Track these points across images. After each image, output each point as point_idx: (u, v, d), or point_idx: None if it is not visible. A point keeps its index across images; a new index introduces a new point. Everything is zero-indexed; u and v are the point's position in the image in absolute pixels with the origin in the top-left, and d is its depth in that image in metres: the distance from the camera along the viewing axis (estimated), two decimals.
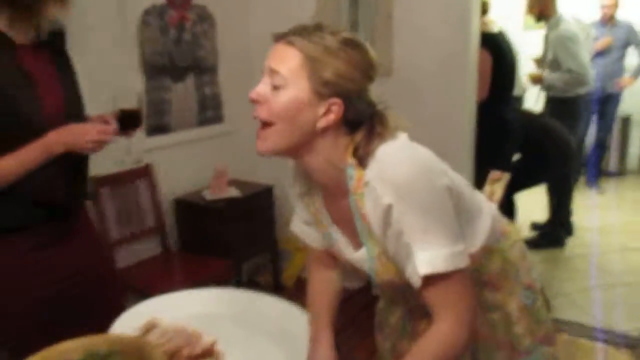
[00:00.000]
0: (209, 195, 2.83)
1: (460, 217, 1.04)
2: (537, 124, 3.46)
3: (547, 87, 3.84)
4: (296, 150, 1.02)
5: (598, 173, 4.93)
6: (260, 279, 3.39)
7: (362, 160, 1.00)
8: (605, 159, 5.24)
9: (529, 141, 3.29)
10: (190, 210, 2.84)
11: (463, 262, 0.98)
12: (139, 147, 2.66)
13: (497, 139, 2.99)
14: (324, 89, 0.97)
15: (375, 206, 0.99)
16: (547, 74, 3.75)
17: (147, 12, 2.65)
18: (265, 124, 1.00)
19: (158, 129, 2.76)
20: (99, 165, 2.49)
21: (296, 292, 3.37)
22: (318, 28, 1.00)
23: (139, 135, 2.65)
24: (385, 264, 1.07)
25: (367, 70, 1.01)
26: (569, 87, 3.68)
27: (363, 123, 1.02)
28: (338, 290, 1.32)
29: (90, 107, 1.61)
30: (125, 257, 2.62)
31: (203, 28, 2.98)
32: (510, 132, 3.13)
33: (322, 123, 0.98)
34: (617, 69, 4.70)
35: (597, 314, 2.87)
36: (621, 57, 4.72)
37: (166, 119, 2.80)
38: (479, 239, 1.15)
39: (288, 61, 0.98)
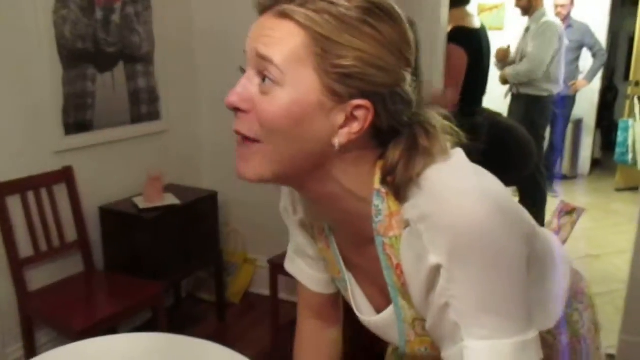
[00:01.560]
0: (141, 203, 2.44)
1: (534, 275, 0.69)
2: (499, 124, 3.30)
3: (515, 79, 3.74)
4: (298, 176, 0.69)
5: (552, 176, 4.85)
6: (203, 295, 3.03)
7: (398, 190, 0.66)
8: (558, 162, 5.19)
9: (492, 143, 3.11)
10: (119, 221, 2.43)
11: (535, 356, 0.65)
12: (55, 146, 2.25)
13: (466, 147, 2.76)
14: (342, 86, 0.63)
15: (416, 259, 0.66)
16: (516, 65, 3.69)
17: None
18: (249, 139, 0.66)
19: (79, 126, 2.35)
20: (4, 169, 2.07)
21: (243, 310, 3.04)
22: None
23: (56, 132, 2.25)
24: (421, 334, 0.76)
25: (404, 51, 0.66)
26: (527, 79, 3.61)
27: (400, 133, 0.68)
28: (337, 356, 1.01)
29: None
30: (38, 279, 2.19)
31: (136, 10, 2.58)
32: (479, 138, 2.91)
33: (342, 138, 0.65)
34: (572, 71, 4.62)
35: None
36: (576, 58, 4.65)
37: (89, 115, 2.38)
38: (557, 308, 0.81)
39: (284, 42, 0.63)
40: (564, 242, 1.01)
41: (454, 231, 0.61)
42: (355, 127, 0.65)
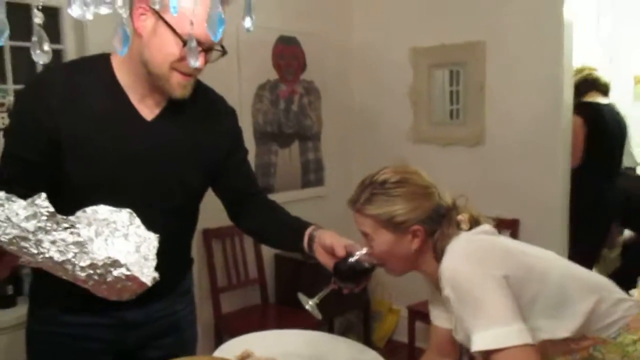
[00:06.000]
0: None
1: (539, 302, 1.13)
2: (635, 200, 3.32)
3: None
4: (414, 267, 1.27)
5: None
6: (352, 337, 3.47)
7: (439, 257, 1.19)
8: None
9: (625, 216, 3.20)
10: (289, 265, 3.06)
11: (519, 339, 1.03)
12: None
13: (588, 212, 2.94)
14: (402, 227, 1.20)
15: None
16: None
17: (261, 87, 3.02)
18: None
19: (264, 189, 3.05)
20: (211, 219, 2.81)
21: (385, 354, 3.37)
22: (372, 184, 1.23)
23: None
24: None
25: (426, 192, 1.22)
26: None
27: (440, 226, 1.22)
28: None
29: None
30: (229, 304, 2.88)
31: (309, 100, 3.31)
32: (603, 207, 3.06)
33: (415, 245, 1.22)
34: None
35: None
36: None
37: (272, 180, 3.10)
38: (568, 324, 1.14)
39: (366, 225, 1.24)
40: None
41: (447, 276, 1.12)
42: (418, 240, 1.21)
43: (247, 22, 0.73)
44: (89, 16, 0.67)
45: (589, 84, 3.10)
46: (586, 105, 3.01)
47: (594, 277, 1.25)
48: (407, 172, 1.24)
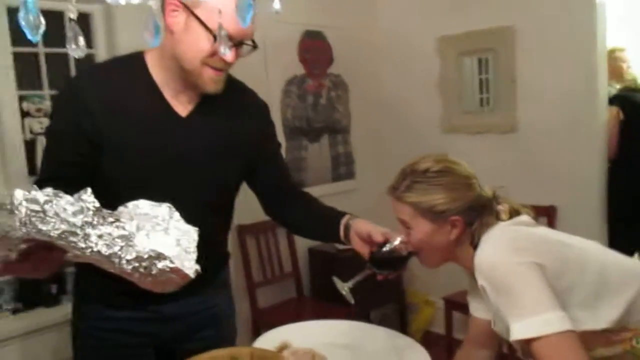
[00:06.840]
0: (339, 245, 3.04)
1: (576, 292, 1.10)
2: None
3: None
4: (450, 258, 1.26)
5: None
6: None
7: (476, 248, 1.18)
8: None
9: None
10: (323, 258, 3.07)
11: (560, 326, 1.01)
12: None
13: (626, 206, 2.86)
14: (441, 217, 1.19)
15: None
16: None
17: (289, 82, 3.04)
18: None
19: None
20: (245, 216, 2.84)
21: (424, 345, 3.37)
22: (413, 172, 1.22)
23: None
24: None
25: (468, 183, 1.21)
26: None
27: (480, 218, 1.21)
28: None
29: None
30: (265, 298, 2.91)
31: (337, 93, 3.31)
32: None
33: (453, 236, 1.21)
34: None
35: None
36: None
37: (303, 175, 3.12)
38: (607, 315, 1.11)
39: (404, 213, 1.23)
40: None
41: (480, 267, 1.10)
42: (457, 230, 1.19)
43: (276, 4, 0.73)
44: (122, 1, 0.69)
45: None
46: (621, 95, 2.93)
47: (638, 266, 1.22)
48: (449, 161, 1.23)
